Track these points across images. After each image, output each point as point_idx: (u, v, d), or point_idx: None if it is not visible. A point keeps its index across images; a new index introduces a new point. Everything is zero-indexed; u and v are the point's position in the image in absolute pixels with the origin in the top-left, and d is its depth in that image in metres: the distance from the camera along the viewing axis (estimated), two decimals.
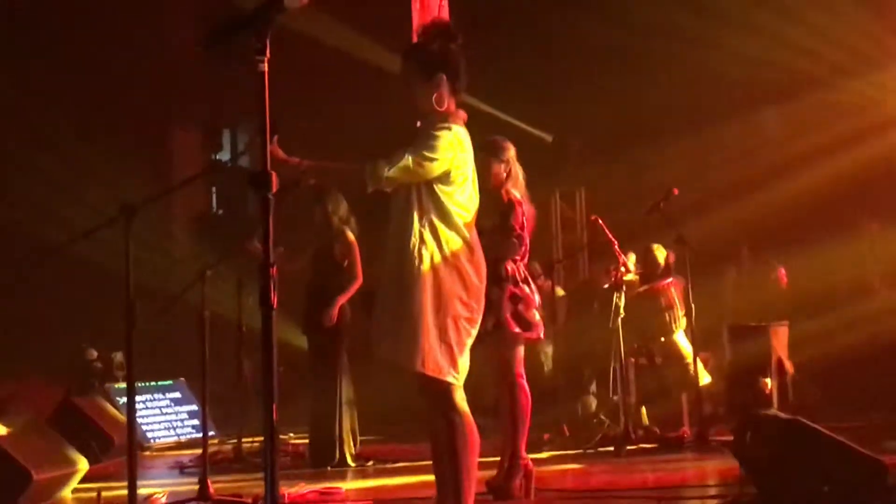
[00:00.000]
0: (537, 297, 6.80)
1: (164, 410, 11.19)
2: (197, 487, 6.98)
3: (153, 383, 11.34)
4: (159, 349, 11.81)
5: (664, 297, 9.36)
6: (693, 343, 9.05)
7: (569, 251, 13.00)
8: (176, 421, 11.18)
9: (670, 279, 9.48)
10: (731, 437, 8.70)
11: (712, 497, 6.42)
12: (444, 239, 4.82)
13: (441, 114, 4.94)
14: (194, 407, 11.29)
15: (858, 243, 11.75)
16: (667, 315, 9.33)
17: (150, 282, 12.63)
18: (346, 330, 9.00)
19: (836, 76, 12.38)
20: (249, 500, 6.92)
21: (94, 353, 11.81)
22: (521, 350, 6.71)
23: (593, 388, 10.40)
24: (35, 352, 12.15)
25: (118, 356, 11.74)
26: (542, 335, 6.84)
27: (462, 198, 4.90)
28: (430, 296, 4.76)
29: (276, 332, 3.09)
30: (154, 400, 11.18)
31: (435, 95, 4.96)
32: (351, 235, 8.96)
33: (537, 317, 6.73)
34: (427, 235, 4.80)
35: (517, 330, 6.61)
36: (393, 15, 11.01)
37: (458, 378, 4.84)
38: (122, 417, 10.27)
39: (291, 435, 10.44)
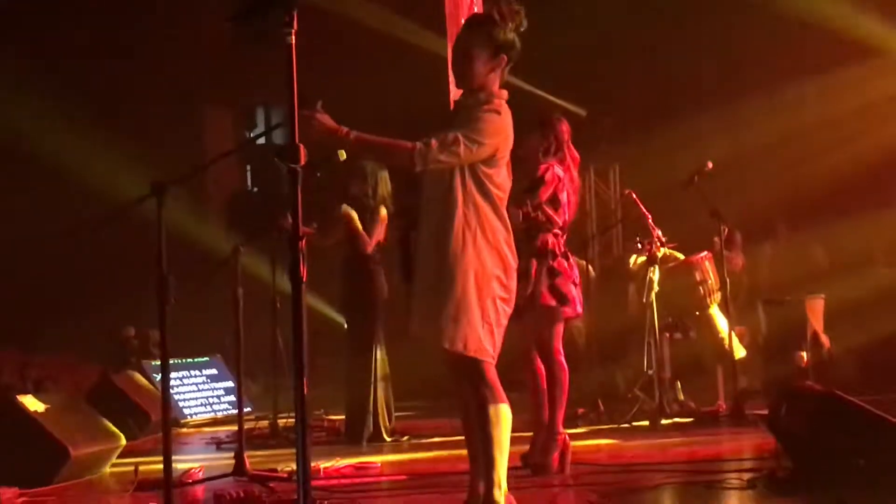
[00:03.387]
0: (576, 272, 6.79)
1: (201, 387, 11.25)
2: (233, 462, 7.03)
3: (189, 360, 11.40)
4: (196, 326, 11.88)
5: (699, 270, 9.32)
6: (728, 317, 9.01)
7: (603, 228, 12.96)
8: (212, 397, 11.25)
9: (704, 253, 9.43)
10: (767, 411, 8.76)
11: (748, 471, 6.37)
12: (486, 220, 4.83)
13: (488, 92, 4.93)
14: (230, 383, 11.35)
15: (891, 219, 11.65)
16: (701, 289, 9.29)
17: (186, 260, 12.75)
18: (382, 306, 9.01)
19: (874, 44, 12.24)
20: (285, 475, 6.97)
21: (132, 331, 11.91)
22: (560, 326, 6.72)
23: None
24: (72, 330, 12.24)
25: (155, 334, 11.80)
26: (579, 311, 6.84)
27: (500, 178, 4.90)
28: (474, 277, 4.77)
29: (311, 307, 3.10)
30: (190, 376, 11.25)
31: (492, 75, 4.96)
32: (384, 213, 8.96)
33: (574, 292, 6.73)
34: (471, 217, 4.81)
35: (553, 303, 6.61)
36: None
37: (494, 357, 4.86)
38: (159, 394, 10.38)
39: (326, 412, 10.46)
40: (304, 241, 3.09)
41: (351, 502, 6.13)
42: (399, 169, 4.82)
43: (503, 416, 4.84)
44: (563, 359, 6.72)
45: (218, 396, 11.29)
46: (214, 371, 11.48)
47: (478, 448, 5.01)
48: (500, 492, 4.85)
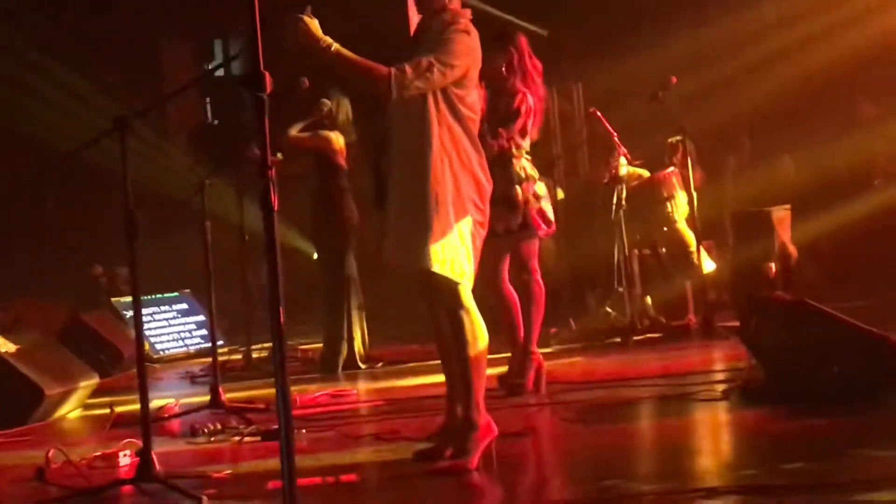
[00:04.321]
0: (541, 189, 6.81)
1: (172, 322, 11.23)
2: (209, 396, 7.04)
3: (159, 296, 11.36)
4: (164, 261, 11.84)
5: (665, 187, 9.33)
6: (696, 231, 9.05)
7: (568, 148, 12.90)
8: (184, 332, 11.23)
9: (671, 168, 9.43)
10: (738, 323, 8.83)
11: (720, 382, 6.44)
12: (460, 143, 4.82)
13: (452, 13, 4.88)
14: (202, 318, 11.34)
15: (857, 127, 11.66)
16: (668, 205, 9.30)
17: (150, 195, 12.66)
18: (354, 233, 8.99)
19: None
20: (262, 406, 7.00)
21: (100, 269, 11.84)
22: (536, 244, 6.76)
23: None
24: (39, 270, 12.17)
25: (123, 271, 11.76)
26: (554, 228, 6.88)
27: (471, 99, 4.87)
28: (451, 200, 4.75)
29: (281, 238, 3.08)
30: (161, 312, 11.21)
31: None
32: (340, 140, 8.87)
33: (551, 212, 6.76)
34: (446, 140, 4.78)
35: (542, 227, 6.64)
36: None
37: (469, 280, 4.86)
38: (131, 331, 10.35)
39: (302, 341, 10.48)
40: (272, 170, 3.04)
41: (328, 430, 6.13)
42: (370, 94, 4.76)
43: (480, 339, 4.85)
44: (540, 277, 6.75)
45: (189, 331, 11.28)
46: (185, 306, 11.45)
47: (454, 371, 5.03)
48: (479, 413, 4.88)
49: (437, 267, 4.75)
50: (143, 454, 4.78)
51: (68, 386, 7.39)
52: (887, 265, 9.15)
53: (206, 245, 7.11)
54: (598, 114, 9.15)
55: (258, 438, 5.99)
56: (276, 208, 3.09)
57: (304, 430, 6.02)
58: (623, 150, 9.13)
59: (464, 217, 4.80)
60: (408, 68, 4.67)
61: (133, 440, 5.60)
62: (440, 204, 4.75)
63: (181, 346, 11.08)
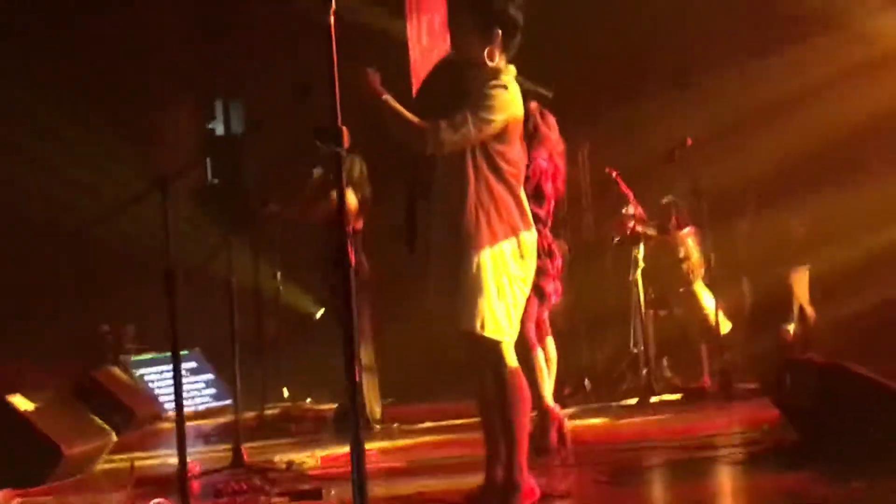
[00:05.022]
0: (559, 262, 6.79)
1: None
2: (229, 455, 6.96)
3: (168, 354, 11.25)
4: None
5: (682, 247, 9.32)
6: (713, 291, 9.05)
7: (574, 210, 12.87)
8: (193, 391, 11.13)
9: (688, 229, 9.43)
10: (757, 385, 8.80)
11: (750, 444, 6.40)
12: (500, 198, 4.79)
13: (492, 69, 4.88)
14: (210, 376, 11.25)
15: (870, 186, 11.68)
16: (685, 265, 9.29)
17: (154, 255, 12.58)
18: (366, 289, 8.93)
19: (840, 17, 12.22)
20: (283, 466, 6.92)
21: (106, 327, 11.73)
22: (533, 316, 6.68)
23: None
24: (46, 328, 12.06)
25: (130, 329, 11.71)
26: (554, 302, 6.86)
27: (513, 155, 4.86)
28: (489, 256, 4.72)
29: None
30: (170, 371, 11.10)
31: (487, 50, 4.90)
32: (352, 199, 8.82)
33: (552, 287, 6.73)
34: (483, 194, 4.76)
35: (535, 300, 6.56)
36: None
37: (512, 337, 4.82)
38: (141, 389, 10.26)
39: (310, 400, 10.39)
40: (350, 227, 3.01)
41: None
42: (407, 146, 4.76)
43: (525, 399, 4.81)
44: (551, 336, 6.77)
45: (198, 390, 11.17)
46: (194, 364, 11.34)
47: (495, 431, 4.98)
48: (522, 474, 4.83)
49: (475, 325, 4.72)
50: None
51: (86, 445, 7.28)
52: None
53: (231, 301, 7.05)
54: (615, 174, 9.14)
55: (287, 499, 5.90)
56: (352, 264, 3.05)
57: (332, 492, 5.94)
58: (640, 209, 9.12)
59: (503, 273, 4.77)
60: (442, 124, 4.67)
61: (163, 500, 5.54)
62: (475, 260, 4.72)
63: (189, 406, 10.95)
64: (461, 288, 4.70)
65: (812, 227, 11.64)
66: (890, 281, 9.43)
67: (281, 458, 7.21)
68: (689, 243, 9.33)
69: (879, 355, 8.10)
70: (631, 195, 9.19)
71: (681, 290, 9.40)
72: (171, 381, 10.69)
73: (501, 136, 4.80)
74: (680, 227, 9.69)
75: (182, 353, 10.92)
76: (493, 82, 4.84)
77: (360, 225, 8.94)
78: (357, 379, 2.99)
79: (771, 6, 12.05)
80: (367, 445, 7.69)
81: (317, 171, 8.71)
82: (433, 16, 12.22)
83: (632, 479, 5.88)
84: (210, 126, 18.27)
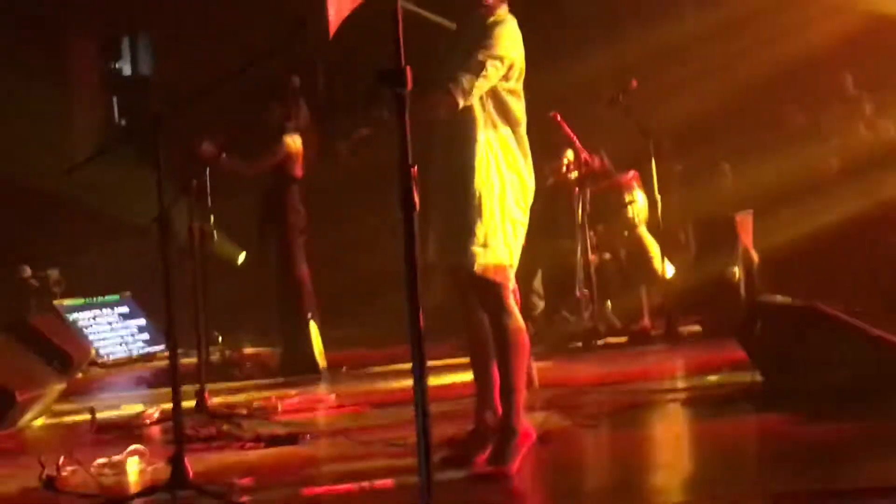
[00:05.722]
0: None
1: (114, 326, 10.91)
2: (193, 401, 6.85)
3: (100, 299, 11.05)
4: (101, 264, 11.57)
5: (627, 191, 9.35)
6: (660, 237, 9.13)
7: None
8: (127, 336, 10.93)
9: (632, 172, 9.47)
10: (699, 328, 8.92)
11: (718, 386, 6.50)
12: (507, 144, 4.74)
13: (488, 7, 4.80)
14: (143, 321, 11.07)
15: (792, 137, 11.88)
16: (630, 209, 9.33)
17: (64, 191, 12.28)
18: (303, 236, 8.87)
19: None
20: (246, 411, 6.85)
21: (28, 271, 11.43)
22: None
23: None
24: None
25: (54, 273, 11.43)
26: None
27: (520, 93, 4.80)
28: (497, 201, 4.67)
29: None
30: (102, 315, 10.90)
31: None
32: (291, 143, 8.73)
33: None
34: (493, 141, 4.71)
35: None
36: None
37: (512, 280, 4.80)
38: (75, 334, 10.03)
39: (220, 339, 10.28)
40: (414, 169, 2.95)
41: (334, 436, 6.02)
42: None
43: (523, 343, 4.80)
44: None
45: (132, 335, 10.97)
46: (126, 309, 11.14)
47: (487, 376, 4.97)
48: (519, 418, 4.83)
49: (480, 269, 4.68)
50: (176, 461, 4.61)
51: (38, 390, 7.10)
52: (841, 273, 9.26)
53: (192, 247, 6.94)
54: (559, 117, 9.09)
55: (262, 445, 5.82)
56: (416, 208, 2.99)
57: (308, 436, 5.89)
58: (585, 153, 9.12)
59: (509, 219, 4.74)
60: (461, 75, 4.57)
61: (138, 446, 5.45)
62: (484, 206, 4.67)
63: (125, 351, 10.77)
64: (466, 231, 4.65)
65: (739, 172, 11.84)
66: (814, 214, 9.56)
67: (236, 400, 7.14)
68: (634, 187, 9.36)
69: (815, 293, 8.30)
70: (575, 139, 9.15)
71: (625, 233, 9.44)
72: (105, 327, 10.59)
73: (509, 74, 4.73)
74: (606, 171, 9.72)
75: (114, 297, 10.87)
76: (492, 19, 4.78)
77: (300, 172, 8.87)
78: (420, 326, 2.91)
79: None
80: (324, 389, 7.81)
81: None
82: None
83: (615, 419, 5.91)
84: (115, 65, 17.89)
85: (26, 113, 13.50)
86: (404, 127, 2.98)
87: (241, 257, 10.43)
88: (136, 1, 16.00)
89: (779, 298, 6.75)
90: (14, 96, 13.13)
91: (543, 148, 11.03)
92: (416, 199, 2.99)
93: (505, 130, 4.74)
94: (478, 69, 4.58)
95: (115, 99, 17.89)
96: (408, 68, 2.98)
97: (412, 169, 2.97)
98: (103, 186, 10.73)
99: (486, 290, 4.74)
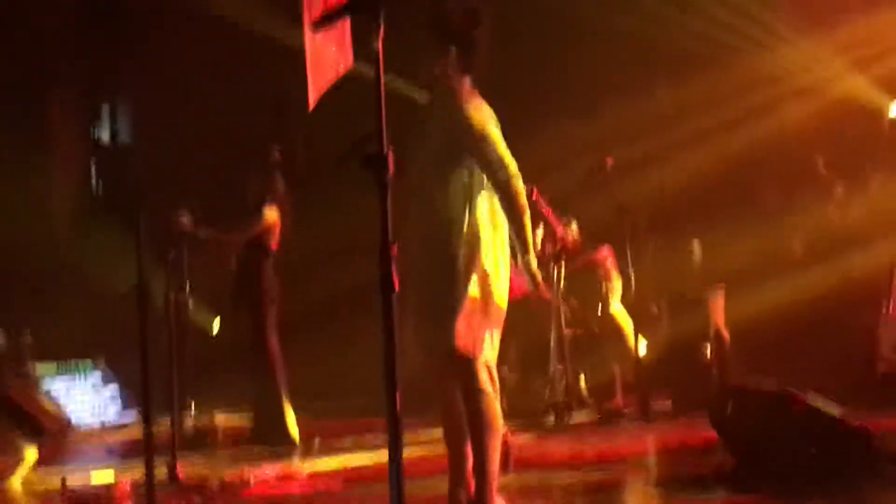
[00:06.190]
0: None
1: (87, 393, 10.86)
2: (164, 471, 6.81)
3: (73, 364, 11.00)
4: (76, 327, 11.53)
5: (601, 267, 9.44)
6: (633, 313, 9.19)
7: None
8: (99, 404, 10.87)
9: (606, 248, 9.56)
10: (671, 407, 8.95)
11: (690, 466, 6.52)
12: (482, 217, 4.80)
13: (451, 87, 4.89)
14: (115, 388, 11.03)
15: (763, 215, 12.01)
16: (604, 286, 9.41)
17: (40, 260, 12.30)
18: (275, 307, 8.89)
19: (728, 55, 12.49)
20: (217, 484, 6.82)
21: (1, 336, 11.37)
22: None
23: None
24: None
25: (27, 336, 11.37)
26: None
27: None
28: (473, 275, 4.73)
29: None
30: (75, 383, 10.85)
31: (439, 64, 4.91)
32: (269, 215, 8.78)
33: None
34: (472, 216, 4.78)
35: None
36: None
37: (487, 356, 4.84)
38: (49, 403, 9.95)
39: (219, 415, 10.23)
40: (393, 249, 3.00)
41: None
42: None
43: (497, 422, 4.83)
44: None
45: (104, 403, 10.93)
46: (99, 376, 11.10)
47: (459, 453, 4.99)
48: (492, 496, 4.84)
49: (452, 342, 4.71)
50: None
51: (8, 458, 7.06)
52: (809, 354, 9.34)
53: (170, 318, 6.94)
54: (535, 192, 9.15)
55: None
56: (396, 289, 3.04)
57: None
58: (561, 229, 9.19)
59: (486, 294, 4.79)
60: (506, 172, 4.75)
61: None
62: (458, 281, 4.74)
63: (97, 420, 10.71)
64: (441, 308, 4.70)
65: (709, 249, 11.93)
66: (783, 296, 9.65)
67: (211, 475, 7.10)
68: (608, 264, 9.44)
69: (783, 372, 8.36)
70: (550, 214, 9.23)
71: (599, 309, 9.51)
72: (77, 394, 10.54)
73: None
74: (578, 246, 9.80)
75: (85, 362, 10.83)
76: (467, 104, 4.87)
77: (275, 244, 8.92)
78: (397, 407, 2.94)
79: (659, 44, 12.26)
80: (294, 463, 7.77)
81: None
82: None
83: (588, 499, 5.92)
84: (94, 129, 17.92)
85: (4, 177, 13.54)
86: (386, 209, 3.03)
87: (216, 325, 10.44)
88: (117, 68, 16.10)
89: (749, 381, 6.81)
90: None
91: None
92: (396, 280, 3.03)
93: (484, 206, 4.81)
94: (505, 159, 4.77)
95: (93, 165, 17.94)
96: (390, 152, 3.03)
97: (392, 249, 3.01)
98: (81, 252, 10.77)
99: (461, 367, 4.79)
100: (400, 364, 3.13)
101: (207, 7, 13.32)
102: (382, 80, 3.02)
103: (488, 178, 4.75)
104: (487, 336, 4.81)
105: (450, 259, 4.73)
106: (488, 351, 4.84)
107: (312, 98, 11.66)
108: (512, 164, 4.77)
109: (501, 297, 4.86)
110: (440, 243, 4.76)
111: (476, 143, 4.77)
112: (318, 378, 10.91)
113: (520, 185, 4.77)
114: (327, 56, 11.23)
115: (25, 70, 15.18)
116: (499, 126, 4.90)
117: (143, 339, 6.49)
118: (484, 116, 4.85)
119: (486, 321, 4.80)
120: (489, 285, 4.78)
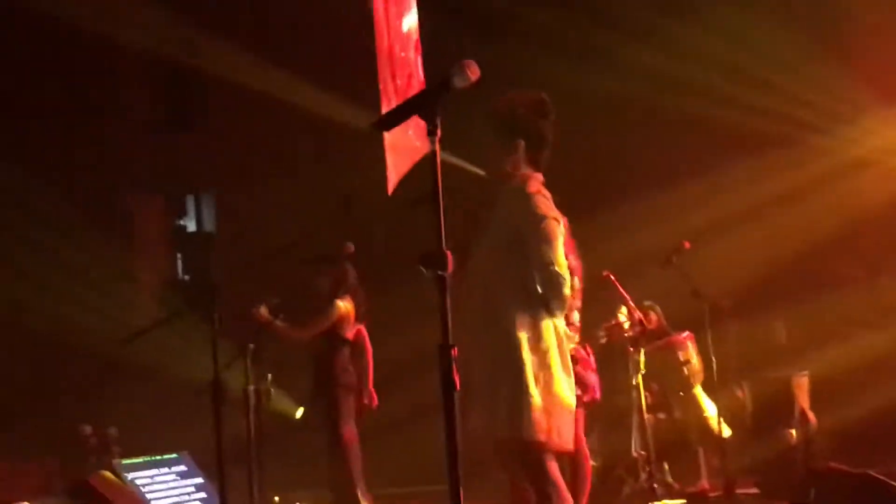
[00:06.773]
0: (592, 359, 6.80)
1: (171, 485, 10.92)
2: None
3: (158, 457, 11.09)
4: (160, 422, 11.67)
5: (682, 350, 9.36)
6: (715, 397, 9.08)
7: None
8: (183, 495, 10.93)
9: (686, 333, 9.49)
10: (757, 491, 8.80)
11: None
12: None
13: (520, 180, 4.93)
14: (200, 480, 11.07)
15: (849, 292, 11.86)
16: (685, 369, 9.33)
17: (121, 351, 12.49)
18: (351, 393, 8.97)
19: (802, 131, 12.42)
20: None
21: (89, 429, 11.57)
22: (580, 412, 6.68)
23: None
24: (29, 430, 11.92)
25: (113, 431, 11.54)
26: (597, 396, 6.83)
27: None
28: (537, 367, 4.72)
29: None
30: (160, 474, 10.92)
31: (511, 160, 4.96)
32: (343, 307, 8.88)
33: (593, 378, 6.72)
34: (535, 310, 4.78)
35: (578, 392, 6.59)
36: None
37: (556, 448, 4.81)
38: (133, 493, 10.05)
39: (277, 499, 10.26)
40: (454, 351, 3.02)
41: None
42: None
43: None
44: (586, 447, 6.70)
45: (188, 493, 10.97)
46: (183, 468, 11.17)
47: None
48: None
49: (542, 436, 4.68)
50: None
51: None
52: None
53: (247, 410, 6.99)
54: (612, 277, 9.16)
55: None
56: (457, 388, 3.06)
57: None
58: (638, 313, 9.12)
59: (548, 381, 4.77)
60: (556, 285, 4.76)
61: None
62: (517, 367, 4.73)
63: None
64: (506, 396, 4.70)
65: (793, 332, 11.80)
66: (879, 384, 9.52)
67: None
68: (689, 347, 9.37)
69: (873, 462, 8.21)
70: (628, 298, 9.19)
71: (680, 393, 9.42)
72: (161, 486, 10.60)
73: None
74: (661, 330, 9.75)
75: (171, 455, 10.91)
76: (529, 199, 4.89)
77: (350, 334, 9.02)
78: (460, 496, 2.94)
79: (732, 121, 12.21)
80: None
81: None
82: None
83: None
84: (180, 221, 18.32)
85: (93, 273, 13.85)
86: (445, 309, 3.05)
87: (300, 413, 10.52)
88: (201, 162, 16.46)
89: (833, 465, 6.69)
90: (81, 257, 13.48)
91: (597, 307, 11.20)
92: (457, 379, 3.04)
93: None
94: (559, 271, 4.79)
95: (178, 255, 18.32)
96: (448, 252, 3.07)
97: (452, 349, 3.03)
98: (162, 346, 10.92)
99: (530, 461, 4.77)
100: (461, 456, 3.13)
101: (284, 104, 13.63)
102: (440, 179, 3.06)
103: (538, 275, 4.73)
104: (556, 427, 4.78)
105: (517, 352, 4.73)
106: (557, 442, 4.80)
107: (392, 182, 11.84)
108: (563, 268, 4.75)
109: (565, 394, 4.84)
110: (507, 334, 4.76)
111: (538, 242, 4.79)
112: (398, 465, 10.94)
113: (566, 290, 4.74)
114: (405, 140, 11.40)
115: (113, 166, 15.59)
116: (564, 227, 4.93)
117: (219, 434, 6.60)
118: (551, 217, 4.87)
119: (556, 413, 4.77)
120: (552, 383, 4.76)
